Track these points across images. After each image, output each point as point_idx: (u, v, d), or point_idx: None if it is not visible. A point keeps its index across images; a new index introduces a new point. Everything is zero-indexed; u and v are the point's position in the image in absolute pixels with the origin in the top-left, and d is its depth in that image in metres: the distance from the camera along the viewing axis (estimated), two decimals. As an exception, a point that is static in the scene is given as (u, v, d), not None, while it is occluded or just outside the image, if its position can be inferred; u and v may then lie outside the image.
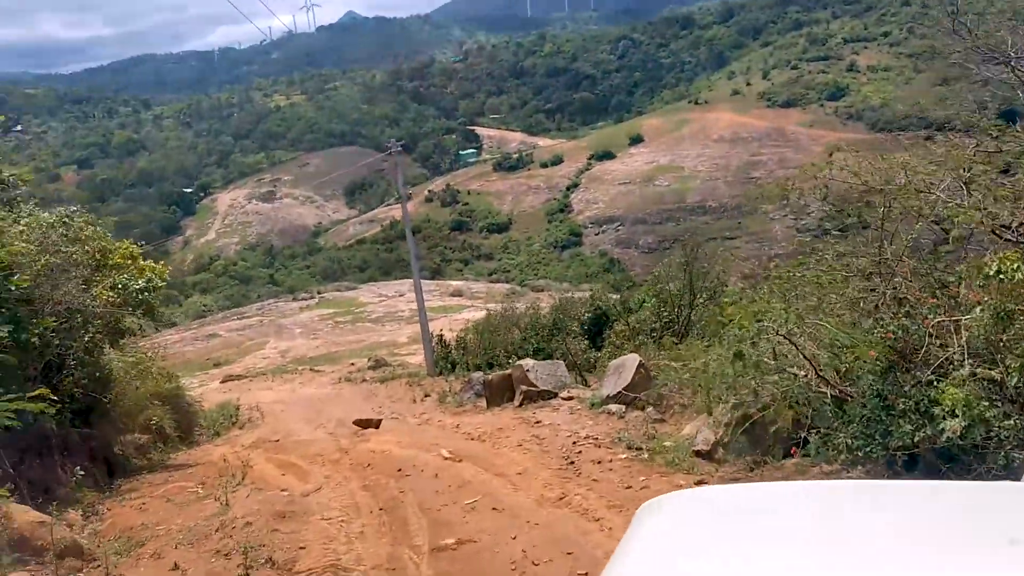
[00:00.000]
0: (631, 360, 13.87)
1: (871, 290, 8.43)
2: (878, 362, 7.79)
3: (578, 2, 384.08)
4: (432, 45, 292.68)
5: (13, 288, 10.57)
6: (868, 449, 7.70)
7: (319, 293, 73.17)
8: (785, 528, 2.09)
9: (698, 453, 9.56)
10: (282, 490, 10.45)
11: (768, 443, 8.75)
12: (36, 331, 11.62)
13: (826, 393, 8.37)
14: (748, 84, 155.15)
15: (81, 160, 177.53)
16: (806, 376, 8.60)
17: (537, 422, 13.21)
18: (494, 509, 8.63)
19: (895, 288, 8.04)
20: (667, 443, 10.38)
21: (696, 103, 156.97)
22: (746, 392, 8.82)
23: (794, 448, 8.37)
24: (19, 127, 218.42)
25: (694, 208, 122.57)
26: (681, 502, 2.48)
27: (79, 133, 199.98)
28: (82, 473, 12.41)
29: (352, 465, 12.04)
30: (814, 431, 8.25)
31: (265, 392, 32.02)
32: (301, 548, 7.85)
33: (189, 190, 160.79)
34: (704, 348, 11.46)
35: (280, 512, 8.89)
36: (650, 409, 12.27)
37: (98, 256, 14.50)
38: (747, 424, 8.66)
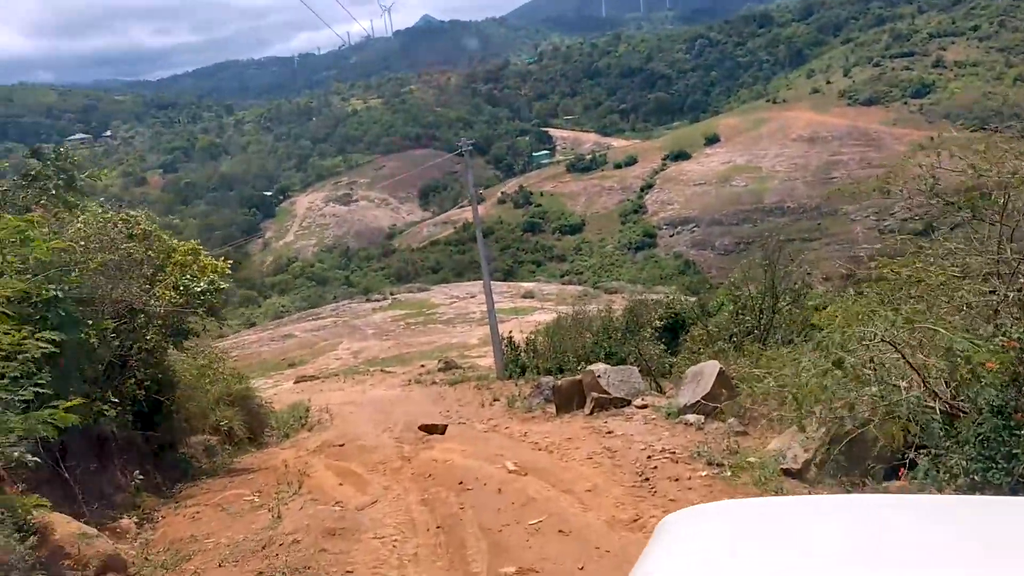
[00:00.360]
0: (710, 367, 12.98)
1: (990, 292, 7.46)
2: (998, 374, 6.85)
3: (653, 2, 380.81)
4: (507, 47, 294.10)
5: (67, 287, 10.27)
6: (988, 473, 6.76)
7: (392, 294, 73.49)
8: (803, 541, 2.10)
9: (787, 472, 8.68)
10: (336, 503, 9.90)
11: (868, 463, 7.84)
12: (94, 331, 11.37)
13: (934, 408, 7.44)
14: (828, 82, 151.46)
15: (166, 164, 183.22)
16: (909, 387, 7.69)
17: (609, 432, 12.41)
18: (560, 532, 7.89)
19: (1019, 290, 7.07)
20: (751, 459, 9.50)
21: (774, 102, 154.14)
22: (842, 405, 7.91)
23: (902, 469, 7.45)
24: (108, 132, 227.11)
25: (772, 209, 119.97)
26: (700, 516, 2.51)
27: (165, 138, 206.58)
28: (141, 478, 12.15)
29: (413, 475, 11.45)
30: (923, 451, 7.32)
31: (336, 393, 32.02)
32: (348, 572, 7.27)
33: (269, 193, 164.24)
34: (791, 355, 10.52)
35: (330, 529, 8.33)
36: (732, 420, 11.37)
37: (162, 255, 14.29)
38: (844, 441, 7.76)
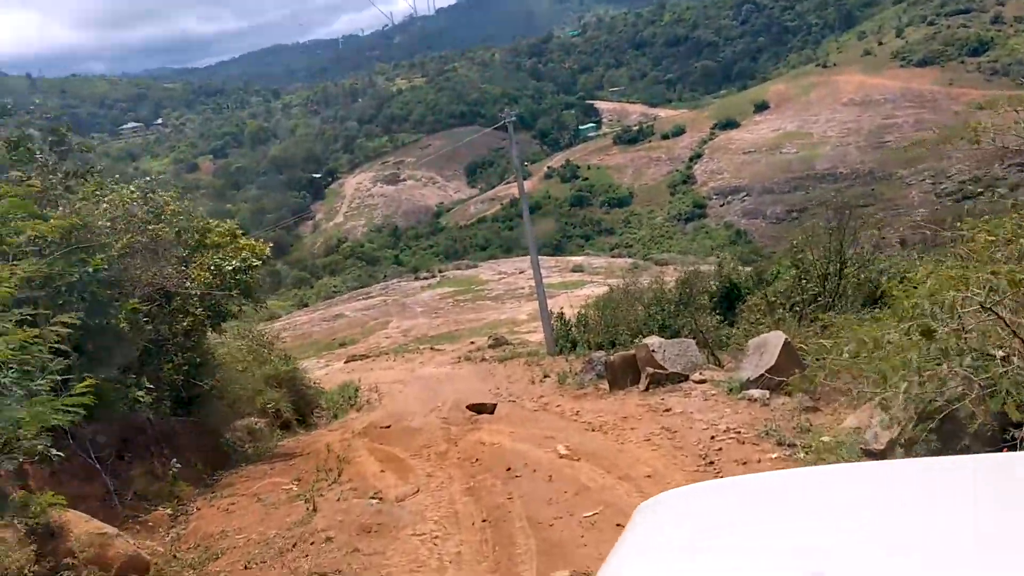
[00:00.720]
0: (774, 338, 12.08)
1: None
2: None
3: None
4: (551, 20, 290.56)
5: (92, 270, 9.75)
6: (1107, 454, 5.87)
7: (440, 272, 73.15)
8: (779, 518, 2.00)
9: (868, 453, 7.82)
10: (376, 493, 9.24)
11: (965, 442, 6.94)
12: (124, 316, 10.90)
13: (1037, 380, 6.53)
14: (880, 43, 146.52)
15: (216, 150, 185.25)
16: (1007, 357, 6.78)
17: (666, 410, 11.61)
18: (618, 526, 7.11)
19: None
20: (825, 439, 8.65)
21: (824, 66, 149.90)
22: (929, 378, 7.01)
23: (1005, 448, 6.56)
24: (160, 120, 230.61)
25: (824, 175, 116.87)
26: (678, 499, 2.39)
27: (214, 124, 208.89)
28: (178, 466, 11.69)
29: (459, 460, 10.76)
30: (1029, 429, 6.42)
31: (386, 372, 31.78)
32: (381, 576, 6.63)
33: (318, 175, 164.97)
34: (868, 324, 9.58)
35: (366, 525, 7.66)
36: (801, 396, 10.50)
37: (196, 236, 13.80)
38: (936, 419, 6.87)
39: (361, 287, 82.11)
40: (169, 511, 9.96)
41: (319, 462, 11.63)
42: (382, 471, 10.76)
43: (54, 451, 8.16)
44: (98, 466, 9.94)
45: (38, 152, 9.91)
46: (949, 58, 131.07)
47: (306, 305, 77.90)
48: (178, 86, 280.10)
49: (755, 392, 11.44)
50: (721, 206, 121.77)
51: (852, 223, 14.20)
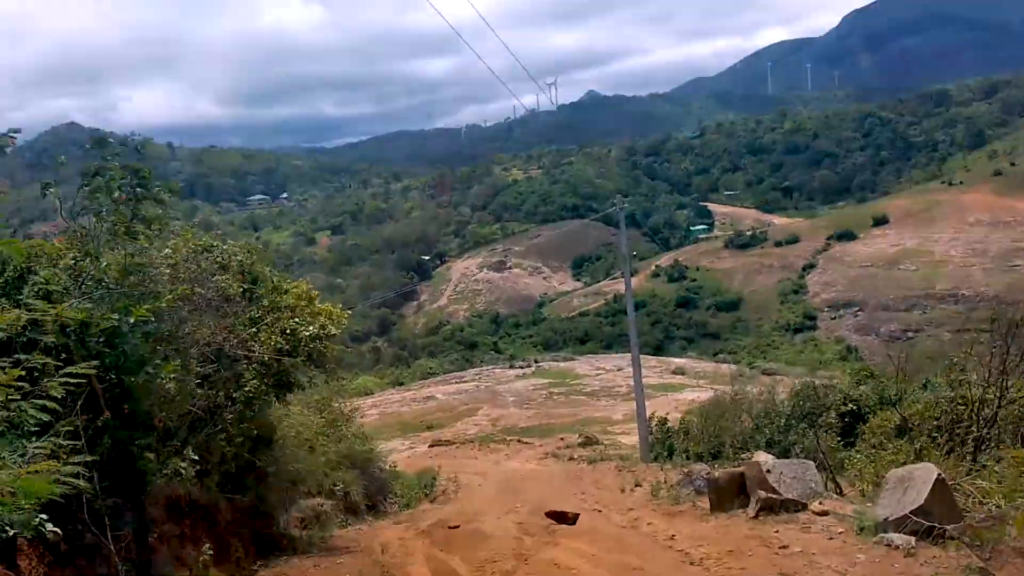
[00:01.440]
0: (923, 472, 9.94)
1: None
2: None
3: (822, 80, 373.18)
4: (670, 123, 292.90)
5: (133, 320, 8.59)
6: None
7: (536, 362, 71.71)
8: None
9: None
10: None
11: None
12: (170, 375, 9.73)
13: None
14: (1012, 164, 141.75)
15: (335, 226, 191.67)
16: None
17: (783, 547, 9.59)
18: None
19: None
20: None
21: (950, 184, 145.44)
22: None
23: None
24: (285, 195, 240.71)
25: (944, 296, 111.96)
26: None
27: (336, 201, 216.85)
28: (211, 552, 10.28)
29: (526, 586, 9.00)
30: None
31: (468, 461, 30.82)
32: None
33: (427, 257, 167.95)
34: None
35: None
36: (962, 550, 8.37)
37: (270, 296, 12.69)
38: None
39: (457, 371, 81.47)
40: (183, 610, 8.49)
41: (367, 565, 10.03)
42: (433, 590, 9.08)
43: (50, 526, 6.90)
44: (111, 546, 8.58)
45: (118, 191, 9.02)
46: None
47: (401, 384, 77.59)
48: (306, 163, 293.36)
49: (895, 537, 9.31)
50: (832, 319, 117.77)
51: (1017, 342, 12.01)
